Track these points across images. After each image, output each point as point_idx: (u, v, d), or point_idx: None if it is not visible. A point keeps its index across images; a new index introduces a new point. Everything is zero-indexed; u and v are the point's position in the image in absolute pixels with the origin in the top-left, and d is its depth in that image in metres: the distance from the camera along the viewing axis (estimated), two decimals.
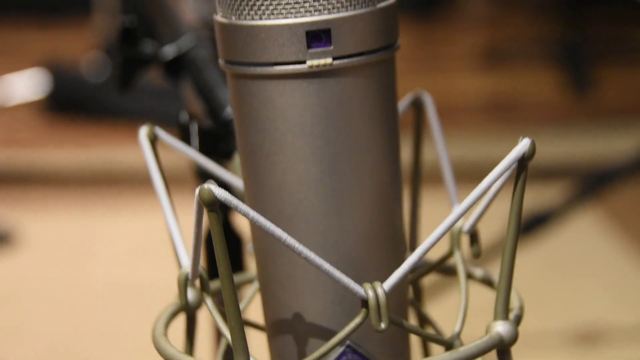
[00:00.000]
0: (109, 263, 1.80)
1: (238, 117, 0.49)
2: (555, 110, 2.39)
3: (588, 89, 2.45)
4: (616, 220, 1.82)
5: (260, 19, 0.47)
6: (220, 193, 0.44)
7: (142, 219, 1.89)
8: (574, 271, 1.68)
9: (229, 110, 0.64)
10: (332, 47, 0.47)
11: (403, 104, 0.58)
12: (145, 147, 0.54)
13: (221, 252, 0.45)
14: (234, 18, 0.48)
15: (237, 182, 0.56)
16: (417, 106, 0.58)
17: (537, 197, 1.97)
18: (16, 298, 1.68)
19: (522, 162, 0.49)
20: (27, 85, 2.45)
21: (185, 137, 0.60)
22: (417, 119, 0.58)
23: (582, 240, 1.76)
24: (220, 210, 0.45)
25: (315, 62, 0.47)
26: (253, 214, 0.45)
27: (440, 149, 0.57)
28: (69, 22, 2.96)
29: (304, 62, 0.47)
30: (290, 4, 0.46)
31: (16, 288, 1.71)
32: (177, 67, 0.72)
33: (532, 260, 1.50)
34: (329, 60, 0.47)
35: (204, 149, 0.60)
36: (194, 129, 0.60)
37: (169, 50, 0.71)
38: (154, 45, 0.72)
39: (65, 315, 1.60)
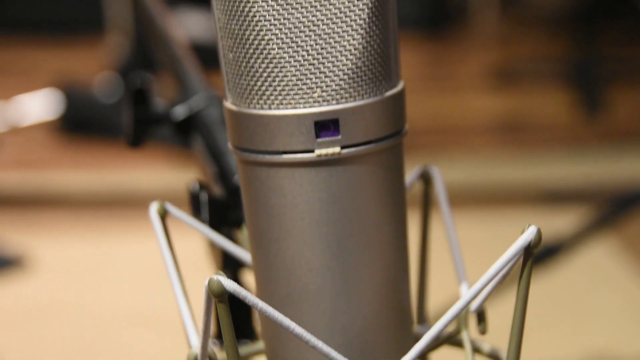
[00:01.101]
0: (122, 287, 1.80)
1: (247, 201, 0.50)
2: (567, 131, 2.39)
3: (599, 109, 2.45)
4: (631, 248, 1.81)
5: (270, 108, 0.48)
6: (229, 285, 0.45)
7: (154, 243, 1.89)
8: (587, 300, 1.67)
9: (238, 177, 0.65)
10: (340, 137, 0.47)
11: (411, 176, 0.59)
12: (155, 224, 0.54)
13: (229, 343, 0.45)
14: (243, 106, 0.48)
15: (246, 255, 0.57)
16: (426, 179, 0.59)
17: (547, 221, 1.97)
18: (28, 322, 1.68)
19: (528, 250, 0.49)
20: (40, 105, 2.47)
21: (196, 207, 0.61)
22: (426, 191, 0.59)
23: (596, 268, 1.75)
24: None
25: (323, 151, 0.47)
26: (262, 304, 0.46)
27: (448, 225, 0.57)
28: (82, 40, 2.98)
29: (312, 151, 0.47)
30: (299, 94, 0.47)
31: (28, 312, 1.72)
32: (188, 128, 0.72)
33: (544, 288, 1.50)
34: (337, 149, 0.47)
35: (214, 219, 0.60)
36: (204, 198, 0.60)
37: (180, 111, 0.72)
38: (165, 105, 0.73)
39: (78, 339, 1.61)
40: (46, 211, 2.07)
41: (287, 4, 0.47)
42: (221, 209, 0.61)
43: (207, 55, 0.85)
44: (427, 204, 0.60)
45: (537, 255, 1.48)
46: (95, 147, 2.33)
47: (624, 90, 2.55)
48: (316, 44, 0.47)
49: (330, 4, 0.47)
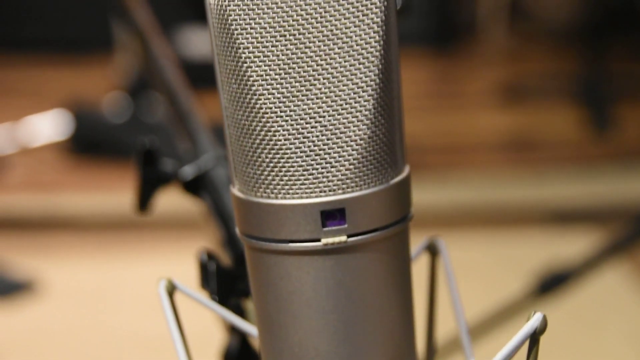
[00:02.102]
0: (131, 311, 1.81)
1: (254, 286, 0.50)
2: (575, 149, 2.39)
3: (608, 127, 2.45)
4: None
5: (276, 197, 0.48)
6: None
7: (164, 266, 1.91)
8: (600, 326, 1.67)
9: None
10: (346, 225, 0.48)
11: (418, 248, 0.59)
12: (164, 301, 0.55)
13: None
14: (250, 194, 0.49)
15: (254, 329, 0.57)
16: (432, 251, 0.59)
17: (556, 243, 1.97)
18: (38, 347, 1.69)
19: (534, 337, 0.50)
20: (49, 126, 2.48)
21: (204, 277, 0.61)
22: (432, 264, 0.59)
23: (609, 295, 1.74)
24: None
25: (330, 240, 0.48)
26: None
27: (455, 301, 0.57)
28: (91, 60, 2.99)
29: (318, 240, 0.48)
30: (305, 184, 0.47)
31: (38, 337, 1.72)
32: (196, 188, 0.73)
33: (556, 314, 1.50)
34: (343, 238, 0.48)
35: (223, 289, 0.61)
36: (212, 269, 0.61)
37: (189, 171, 0.73)
38: (174, 165, 0.73)
39: None
40: (56, 234, 2.08)
41: (293, 96, 0.47)
42: (230, 279, 0.61)
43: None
44: (433, 276, 0.60)
45: (548, 283, 1.47)
46: (104, 168, 2.34)
47: (633, 107, 2.55)
48: (322, 135, 0.47)
49: (335, 95, 0.47)
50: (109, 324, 1.76)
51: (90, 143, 2.40)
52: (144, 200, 0.73)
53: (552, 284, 1.49)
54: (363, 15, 0.47)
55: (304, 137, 0.47)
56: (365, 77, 0.47)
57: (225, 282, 0.61)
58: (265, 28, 0.47)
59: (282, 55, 0.47)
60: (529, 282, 1.51)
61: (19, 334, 1.73)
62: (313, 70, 0.47)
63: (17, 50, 3.05)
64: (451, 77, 2.95)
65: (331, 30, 0.47)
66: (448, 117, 2.62)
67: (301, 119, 0.47)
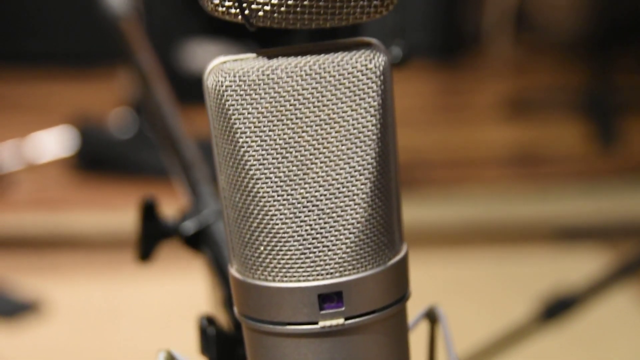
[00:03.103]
0: (137, 330, 1.81)
1: None
2: (581, 164, 2.39)
3: (614, 141, 2.44)
4: None
5: (274, 280, 0.48)
6: None
7: (171, 285, 1.91)
8: (607, 351, 1.66)
9: None
10: (344, 308, 0.48)
11: (417, 316, 0.59)
12: None
13: None
14: (248, 276, 0.49)
15: None
16: (432, 319, 0.59)
17: (561, 260, 1.97)
18: None
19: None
20: (55, 143, 2.48)
21: (205, 342, 0.62)
22: (432, 332, 0.59)
23: (617, 318, 1.73)
24: None
25: (327, 322, 0.48)
26: None
27: None
28: (97, 74, 2.99)
29: (316, 322, 0.48)
30: (302, 267, 0.47)
31: (44, 358, 1.73)
32: (197, 242, 0.73)
33: (563, 338, 1.49)
34: (340, 320, 0.48)
35: (223, 356, 0.61)
36: (212, 334, 0.61)
37: (190, 225, 0.73)
38: (175, 220, 0.73)
39: None
40: (62, 253, 2.08)
41: (290, 180, 0.47)
42: (230, 344, 0.61)
43: None
44: (433, 344, 0.60)
45: (553, 309, 1.47)
46: (110, 185, 2.34)
47: (638, 121, 2.54)
48: (319, 218, 0.47)
49: (332, 179, 0.47)
50: (116, 344, 1.76)
51: (95, 159, 2.40)
52: (146, 253, 0.73)
53: (557, 309, 1.49)
54: (360, 99, 0.47)
55: (301, 221, 0.47)
56: (362, 160, 0.47)
57: (226, 348, 0.61)
58: (262, 113, 0.47)
59: (279, 139, 0.47)
60: (535, 308, 1.51)
61: (24, 355, 1.73)
62: (310, 155, 0.47)
63: (22, 64, 3.06)
64: (457, 90, 2.94)
65: (328, 115, 0.47)
66: (453, 130, 2.61)
67: (298, 203, 0.47)
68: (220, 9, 0.47)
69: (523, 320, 1.52)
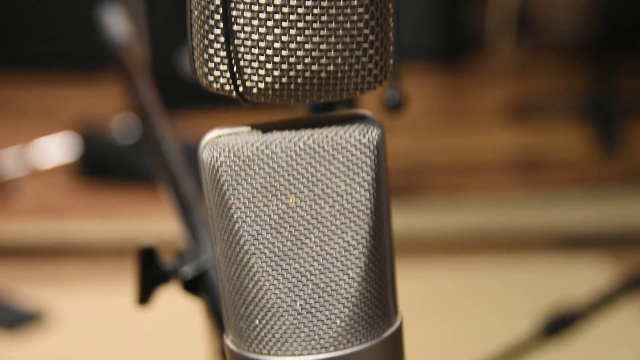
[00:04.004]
0: (141, 341, 1.82)
1: None
2: (584, 170, 2.38)
3: (617, 146, 2.44)
4: None
5: (269, 354, 0.48)
6: None
7: (176, 294, 1.91)
8: None
9: None
10: None
11: None
12: None
13: None
14: (243, 348, 0.49)
15: None
16: None
17: (564, 268, 1.97)
18: None
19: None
20: (58, 149, 2.48)
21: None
22: None
23: (622, 332, 1.72)
24: None
25: None
26: None
27: None
28: (101, 78, 2.99)
29: None
30: (297, 341, 0.48)
31: None
32: (195, 287, 0.73)
33: (566, 354, 1.49)
34: None
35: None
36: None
37: (188, 270, 0.73)
38: (173, 264, 0.73)
39: None
40: (65, 262, 2.08)
41: (285, 255, 0.47)
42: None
43: None
44: None
45: (555, 325, 1.47)
46: (114, 191, 2.34)
47: None
48: (313, 293, 0.47)
49: (327, 254, 0.47)
50: (120, 355, 1.76)
51: (99, 165, 2.40)
52: (145, 297, 0.74)
53: (559, 325, 1.49)
54: (354, 173, 0.47)
55: (295, 295, 0.48)
56: (357, 234, 0.48)
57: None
58: (257, 188, 0.47)
59: (274, 214, 0.47)
60: (536, 323, 1.51)
61: None
62: (304, 229, 0.47)
63: (25, 68, 3.06)
64: (459, 94, 2.94)
65: (322, 190, 0.47)
66: (455, 135, 2.61)
67: (293, 277, 0.47)
68: (215, 85, 0.47)
69: (525, 336, 1.52)
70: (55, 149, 2.48)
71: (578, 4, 2.87)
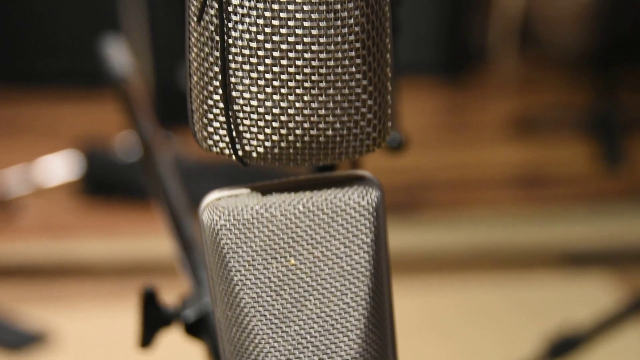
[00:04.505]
0: None
1: None
2: (588, 185, 2.38)
3: (620, 161, 2.44)
4: None
5: None
6: None
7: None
8: None
9: None
10: None
11: None
12: None
13: None
14: None
15: None
16: None
17: (568, 286, 1.96)
18: None
19: None
20: (61, 167, 2.49)
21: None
22: None
23: (628, 355, 1.72)
24: None
25: None
26: None
27: None
28: (104, 94, 2.99)
29: None
30: None
31: None
32: (197, 330, 0.73)
33: None
34: None
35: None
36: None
37: (190, 314, 0.73)
38: (176, 307, 0.74)
39: None
40: (69, 282, 2.08)
41: (285, 317, 0.47)
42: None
43: None
44: None
45: (559, 348, 1.46)
46: (117, 209, 2.34)
47: None
48: (314, 355, 0.48)
49: (327, 315, 0.48)
50: None
51: (102, 183, 2.40)
52: (147, 340, 0.74)
53: (563, 348, 1.49)
54: (353, 236, 0.47)
55: (296, 358, 0.48)
56: (356, 296, 0.48)
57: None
58: (256, 251, 0.47)
59: (274, 277, 0.47)
60: (541, 346, 1.51)
61: None
62: (304, 292, 0.47)
63: (28, 85, 3.06)
64: (461, 108, 2.94)
65: (322, 252, 0.47)
66: (457, 150, 2.61)
67: (293, 340, 0.48)
68: (214, 149, 0.48)
69: (529, 358, 1.52)
70: (59, 167, 2.48)
71: (581, 17, 2.87)
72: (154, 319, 0.73)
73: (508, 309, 1.92)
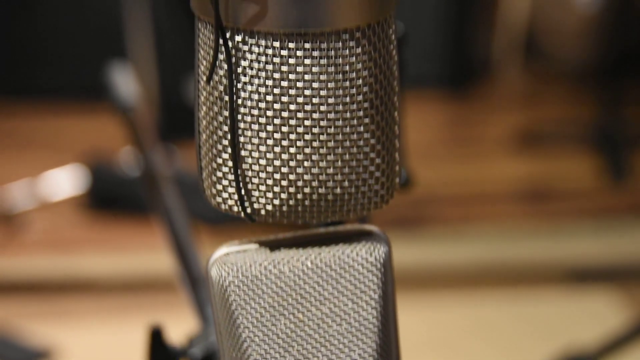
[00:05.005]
0: None
1: None
2: (593, 200, 2.38)
3: (625, 176, 2.44)
4: None
5: None
6: None
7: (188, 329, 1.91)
8: None
9: None
10: None
11: None
12: None
13: None
14: None
15: None
16: None
17: (574, 303, 1.96)
18: None
19: None
20: (66, 181, 2.49)
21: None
22: None
23: None
24: None
25: None
26: None
27: None
28: (108, 108, 3.00)
29: None
30: None
31: None
32: None
33: None
34: None
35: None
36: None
37: (197, 353, 0.73)
38: (183, 345, 0.74)
39: None
40: (74, 298, 2.08)
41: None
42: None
43: None
44: None
45: None
46: (122, 224, 2.34)
47: None
48: None
49: None
50: None
51: (107, 198, 2.41)
52: None
53: None
54: (361, 292, 0.48)
55: None
56: (364, 352, 0.48)
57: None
58: (265, 307, 0.47)
59: (282, 333, 0.47)
60: None
61: None
62: (312, 348, 0.47)
63: (32, 98, 3.06)
64: (466, 122, 2.94)
65: (330, 308, 0.47)
66: (462, 164, 2.61)
67: None
68: (223, 206, 0.48)
69: None
70: (64, 182, 2.49)
71: (585, 31, 2.87)
72: (161, 358, 0.74)
73: (513, 325, 1.92)
